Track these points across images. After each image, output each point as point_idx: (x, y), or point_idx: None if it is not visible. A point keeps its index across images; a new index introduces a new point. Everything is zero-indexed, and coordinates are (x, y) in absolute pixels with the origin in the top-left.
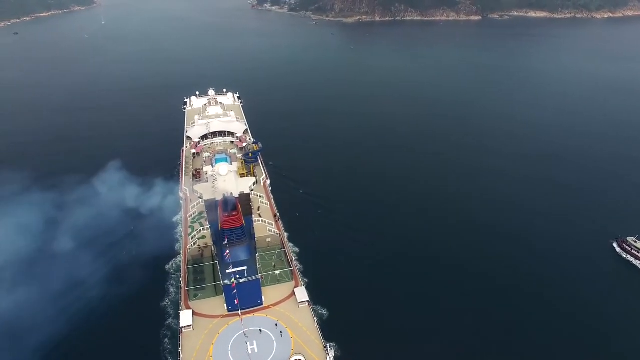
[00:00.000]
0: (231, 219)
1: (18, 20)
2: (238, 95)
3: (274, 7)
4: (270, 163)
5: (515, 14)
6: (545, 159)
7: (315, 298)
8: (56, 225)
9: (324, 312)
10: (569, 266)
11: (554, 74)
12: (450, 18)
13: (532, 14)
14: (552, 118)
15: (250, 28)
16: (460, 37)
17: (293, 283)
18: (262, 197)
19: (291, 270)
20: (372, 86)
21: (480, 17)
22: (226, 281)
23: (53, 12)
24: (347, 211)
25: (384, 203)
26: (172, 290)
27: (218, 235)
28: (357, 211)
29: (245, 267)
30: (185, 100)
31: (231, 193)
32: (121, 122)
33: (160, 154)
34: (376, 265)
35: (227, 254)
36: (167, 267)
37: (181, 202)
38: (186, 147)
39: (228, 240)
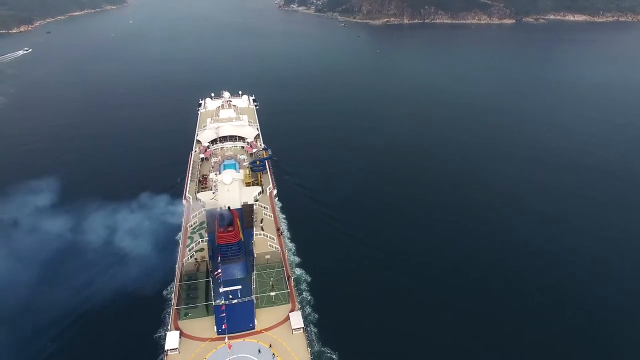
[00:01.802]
0: (227, 235)
1: (52, 19)
2: (254, 97)
3: (300, 8)
4: (283, 168)
5: (552, 17)
6: (586, 171)
7: (316, 329)
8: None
9: (327, 350)
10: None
11: (597, 82)
12: (482, 21)
13: (570, 18)
14: (592, 129)
15: (274, 29)
16: (492, 42)
17: (289, 306)
18: (267, 209)
19: (288, 292)
20: (397, 93)
21: (513, 21)
22: (218, 301)
23: (86, 11)
24: (363, 225)
25: (409, 218)
26: (165, 306)
27: (214, 250)
28: (376, 227)
29: (239, 287)
30: (200, 101)
31: (228, 207)
32: (136, 123)
33: (172, 155)
34: (394, 295)
35: (218, 273)
36: (164, 291)
37: (184, 209)
38: (195, 151)
39: (222, 257)
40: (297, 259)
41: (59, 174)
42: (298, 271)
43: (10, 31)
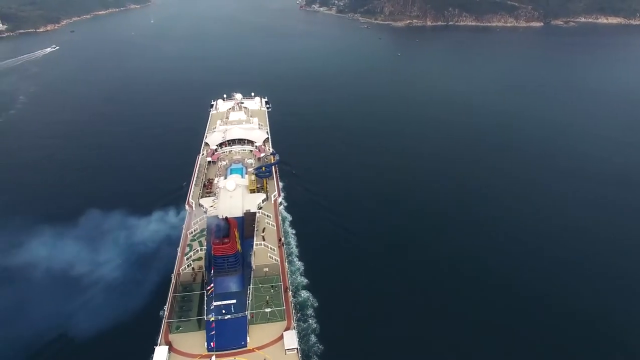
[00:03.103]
0: (222, 247)
1: (78, 18)
2: (266, 100)
3: (321, 8)
4: (295, 173)
5: (583, 20)
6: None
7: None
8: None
9: None
10: None
11: (635, 90)
12: (508, 24)
13: (603, 20)
14: (626, 139)
15: (294, 30)
16: (520, 46)
17: (285, 324)
18: (270, 217)
19: (285, 309)
20: (416, 99)
21: (541, 24)
22: (210, 316)
23: (110, 11)
24: (375, 239)
25: (426, 233)
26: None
27: (210, 260)
28: (399, 247)
29: (234, 301)
30: (212, 102)
31: (225, 217)
32: (148, 124)
33: (182, 157)
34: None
35: (211, 288)
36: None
37: (186, 215)
38: (202, 154)
39: (217, 269)
40: (304, 280)
41: (65, 175)
42: (304, 294)
43: (37, 30)
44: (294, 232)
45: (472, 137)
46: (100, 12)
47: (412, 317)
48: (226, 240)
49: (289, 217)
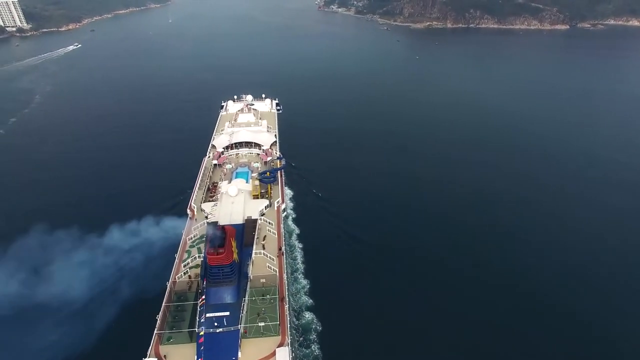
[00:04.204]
0: (217, 257)
1: (100, 17)
2: (277, 102)
3: (340, 9)
4: (304, 178)
5: (612, 22)
6: None
7: None
8: None
9: None
10: None
11: None
12: (532, 27)
13: (634, 23)
14: None
15: (312, 30)
16: (546, 50)
17: (278, 339)
18: (272, 225)
19: (279, 323)
20: (433, 107)
21: (567, 27)
22: (202, 328)
23: (131, 10)
24: (392, 257)
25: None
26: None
27: (206, 269)
28: (403, 255)
29: (227, 313)
30: (223, 103)
31: (222, 227)
32: (158, 124)
33: (189, 159)
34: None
35: (202, 300)
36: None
37: (187, 219)
38: (208, 156)
39: (212, 280)
40: (309, 301)
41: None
42: (308, 316)
43: (59, 29)
44: (300, 246)
45: (494, 144)
46: (121, 12)
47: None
48: (221, 251)
49: (297, 230)
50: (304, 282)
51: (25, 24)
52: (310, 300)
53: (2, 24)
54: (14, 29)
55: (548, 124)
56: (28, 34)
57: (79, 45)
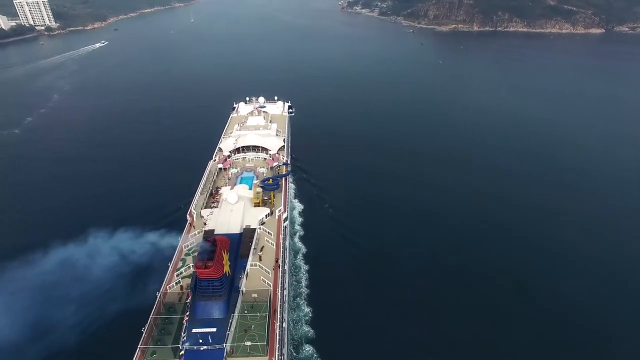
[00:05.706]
0: (205, 271)
1: (125, 16)
2: (289, 104)
3: (363, 10)
4: (316, 186)
5: None
6: None
7: None
8: None
9: None
10: None
11: None
12: (564, 30)
13: None
14: None
15: (334, 32)
16: (580, 55)
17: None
18: (271, 235)
19: (268, 343)
20: (455, 115)
21: (602, 30)
22: (187, 344)
23: (156, 9)
24: (409, 284)
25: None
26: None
27: (196, 281)
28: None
29: (214, 329)
30: (234, 105)
31: (212, 240)
32: (170, 127)
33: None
34: None
35: (186, 316)
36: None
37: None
38: (214, 160)
39: (199, 293)
40: (310, 332)
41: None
42: (308, 349)
43: (85, 27)
44: (306, 267)
45: (519, 153)
46: (146, 10)
47: None
48: (209, 264)
49: (304, 249)
50: (307, 309)
51: (54, 23)
52: (312, 331)
53: (32, 23)
54: (43, 27)
55: (590, 135)
56: (55, 33)
57: (106, 43)
